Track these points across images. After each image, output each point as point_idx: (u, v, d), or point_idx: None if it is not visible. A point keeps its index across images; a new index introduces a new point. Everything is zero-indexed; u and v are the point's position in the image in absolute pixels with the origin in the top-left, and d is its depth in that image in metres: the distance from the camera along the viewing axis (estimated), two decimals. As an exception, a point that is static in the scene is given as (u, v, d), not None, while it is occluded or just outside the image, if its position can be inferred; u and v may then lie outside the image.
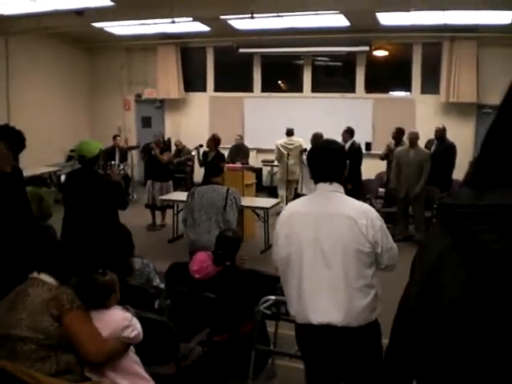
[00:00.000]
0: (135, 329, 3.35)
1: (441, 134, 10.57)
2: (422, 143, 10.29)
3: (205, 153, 11.07)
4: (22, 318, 3.13)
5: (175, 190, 11.94)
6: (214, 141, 10.99)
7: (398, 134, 10.85)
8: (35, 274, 3.34)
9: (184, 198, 7.80)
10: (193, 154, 14.18)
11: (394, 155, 10.19)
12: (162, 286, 4.93)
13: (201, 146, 11.30)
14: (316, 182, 3.22)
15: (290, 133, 12.05)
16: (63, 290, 3.28)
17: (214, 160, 10.36)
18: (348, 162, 3.28)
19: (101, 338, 3.23)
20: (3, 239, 4.36)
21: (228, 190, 6.46)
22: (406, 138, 10.80)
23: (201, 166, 10.85)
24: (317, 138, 10.46)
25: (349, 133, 10.91)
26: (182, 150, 14.58)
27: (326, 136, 10.55)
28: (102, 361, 3.20)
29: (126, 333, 3.31)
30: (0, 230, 4.33)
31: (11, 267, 4.08)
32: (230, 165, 11.02)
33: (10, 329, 3.13)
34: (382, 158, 11.22)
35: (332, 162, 3.20)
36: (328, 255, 3.02)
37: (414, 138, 9.81)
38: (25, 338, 3.09)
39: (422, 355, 1.49)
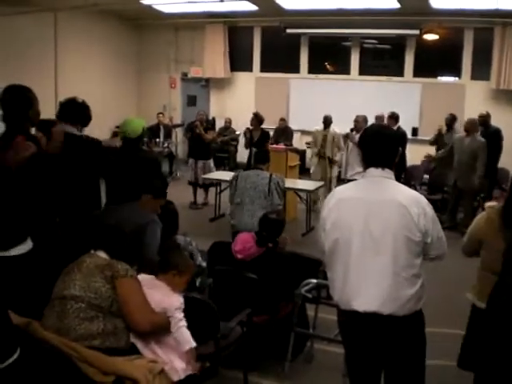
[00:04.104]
0: (183, 319, 3.45)
1: (484, 120, 10.29)
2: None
3: (250, 132, 11.03)
4: (76, 279, 3.26)
5: (218, 169, 11.98)
6: (257, 119, 10.93)
7: (451, 120, 10.69)
8: (92, 252, 3.48)
9: (227, 178, 7.86)
10: (237, 133, 14.25)
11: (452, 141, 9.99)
12: (204, 264, 4.96)
13: (248, 129, 11.26)
14: (367, 167, 3.16)
15: (327, 123, 10.97)
16: (118, 261, 3.40)
17: (259, 140, 10.40)
18: (400, 149, 3.20)
19: (150, 309, 3.33)
20: (51, 216, 4.42)
21: (271, 175, 6.63)
22: (457, 125, 10.65)
23: (246, 147, 10.84)
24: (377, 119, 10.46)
25: (393, 118, 10.72)
26: (228, 128, 14.63)
27: (372, 120, 10.48)
28: (146, 330, 3.30)
29: (177, 314, 3.41)
30: (48, 207, 4.38)
31: (58, 243, 4.16)
32: (274, 146, 10.97)
33: (63, 290, 3.25)
34: (431, 143, 11.04)
35: (385, 147, 3.11)
36: (377, 243, 2.96)
37: (471, 125, 9.54)
38: (77, 296, 3.21)
39: None
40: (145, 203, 4.68)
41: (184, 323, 3.44)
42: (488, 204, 3.48)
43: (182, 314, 3.45)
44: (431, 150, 11.06)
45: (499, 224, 3.33)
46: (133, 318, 3.24)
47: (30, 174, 3.80)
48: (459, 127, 10.50)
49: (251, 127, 10.96)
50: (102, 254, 3.45)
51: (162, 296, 3.43)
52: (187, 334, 3.43)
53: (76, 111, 4.96)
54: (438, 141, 10.72)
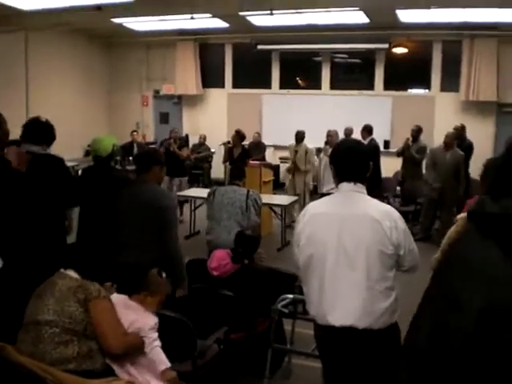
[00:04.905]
0: (157, 339, 3.43)
1: (460, 133, 10.45)
2: (439, 142, 10.17)
3: (230, 149, 11.04)
4: (50, 304, 3.22)
5: (192, 185, 11.96)
6: (239, 136, 10.97)
7: (417, 132, 10.83)
8: (62, 271, 3.44)
9: (201, 195, 7.84)
10: (212, 150, 14.25)
11: (427, 154, 10.13)
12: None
13: (228, 142, 11.27)
14: (339, 182, 3.19)
15: (298, 138, 10.98)
16: (90, 282, 3.37)
17: (240, 157, 10.43)
18: (371, 163, 3.24)
19: (122, 330, 3.31)
20: (22, 236, 4.38)
21: (248, 191, 6.58)
22: (423, 137, 10.81)
23: (224, 162, 10.87)
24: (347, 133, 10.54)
25: (366, 131, 10.82)
26: (202, 144, 14.62)
27: (342, 133, 10.60)
28: (119, 353, 3.27)
29: (151, 334, 3.39)
30: (20, 226, 4.35)
31: (29, 265, 4.12)
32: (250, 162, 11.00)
33: (37, 315, 3.21)
34: (398, 154, 11.16)
35: (357, 162, 3.15)
36: (351, 257, 2.98)
37: (451, 139, 9.70)
38: (50, 321, 3.17)
39: None
40: (155, 174, 4.72)
41: (158, 343, 3.42)
42: (459, 216, 3.50)
43: (156, 334, 3.43)
44: (399, 161, 11.20)
45: None
46: (106, 340, 3.22)
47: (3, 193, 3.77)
48: (432, 139, 10.61)
49: (231, 144, 10.98)
50: (73, 274, 3.40)
51: (137, 316, 3.41)
52: (162, 354, 3.42)
53: (40, 131, 4.90)
54: (404, 152, 10.87)
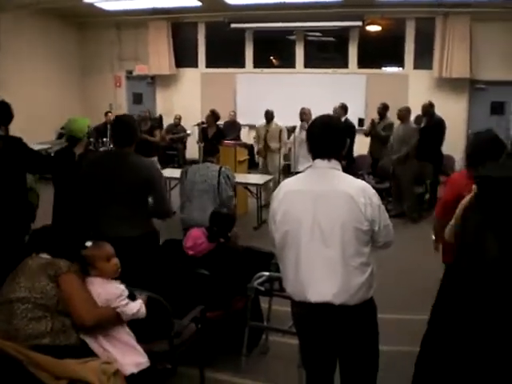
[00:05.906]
0: (129, 302, 3.44)
1: (427, 109, 10.50)
2: (412, 119, 10.26)
3: (204, 129, 10.96)
4: (21, 282, 3.25)
5: (167, 166, 11.87)
6: (214, 116, 10.90)
7: (383, 109, 10.90)
8: (34, 255, 3.46)
9: (176, 175, 7.80)
10: (188, 132, 14.12)
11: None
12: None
13: (203, 123, 11.19)
14: (314, 158, 3.18)
15: (268, 118, 11.01)
16: (59, 259, 3.39)
17: (214, 137, 10.39)
18: (348, 140, 3.23)
19: (93, 303, 3.32)
20: None
21: (221, 167, 6.54)
22: (389, 114, 10.87)
23: (201, 142, 10.81)
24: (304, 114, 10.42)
25: (343, 109, 10.81)
26: (177, 125, 14.52)
27: (318, 112, 10.54)
28: (91, 325, 3.27)
29: (121, 302, 3.39)
30: None
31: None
32: (225, 141, 10.96)
33: (10, 294, 3.23)
34: (366, 133, 11.24)
35: (332, 138, 3.14)
36: (326, 233, 2.98)
37: (403, 113, 9.87)
38: (22, 298, 3.19)
39: None
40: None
41: (129, 306, 3.42)
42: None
43: (126, 300, 3.42)
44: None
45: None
46: (78, 314, 3.23)
47: None
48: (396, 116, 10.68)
49: (206, 124, 10.91)
50: (44, 255, 3.44)
51: (101, 289, 3.40)
52: (135, 306, 3.45)
53: None
54: (371, 131, 10.97)
